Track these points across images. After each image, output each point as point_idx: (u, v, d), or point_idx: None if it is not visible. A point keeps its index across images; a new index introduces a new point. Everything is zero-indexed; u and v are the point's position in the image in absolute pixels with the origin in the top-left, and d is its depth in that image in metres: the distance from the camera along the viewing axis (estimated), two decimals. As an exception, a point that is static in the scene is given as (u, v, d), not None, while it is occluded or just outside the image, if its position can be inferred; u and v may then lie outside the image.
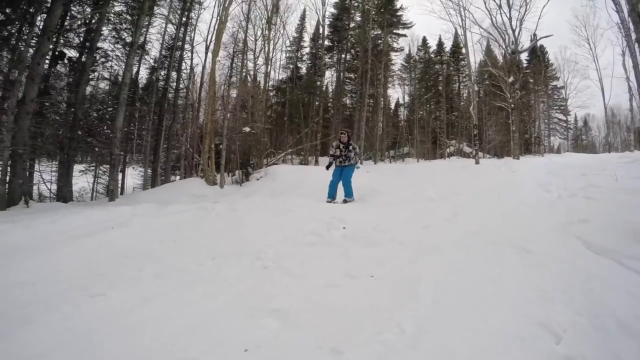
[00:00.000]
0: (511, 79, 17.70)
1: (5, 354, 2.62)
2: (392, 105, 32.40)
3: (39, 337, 2.77)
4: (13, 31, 12.07)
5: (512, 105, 17.69)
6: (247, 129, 10.70)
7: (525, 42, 22.30)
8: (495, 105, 21.27)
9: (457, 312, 2.83)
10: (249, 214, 6.15)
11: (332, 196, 7.80)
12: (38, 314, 3.09)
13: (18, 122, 9.61)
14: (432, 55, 31.54)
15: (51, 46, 11.39)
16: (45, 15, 10.91)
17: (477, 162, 14.34)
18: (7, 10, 11.42)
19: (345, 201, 7.61)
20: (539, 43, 28.26)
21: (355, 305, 2.95)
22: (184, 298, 3.24)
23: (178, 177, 14.93)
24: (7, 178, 9.57)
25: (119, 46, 13.98)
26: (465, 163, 14.42)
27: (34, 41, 10.58)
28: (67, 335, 2.77)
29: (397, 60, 28.62)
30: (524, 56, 29.51)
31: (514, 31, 17.82)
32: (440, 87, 30.17)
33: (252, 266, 3.87)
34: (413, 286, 3.24)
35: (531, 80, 30.79)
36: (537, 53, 32.93)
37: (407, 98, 30.78)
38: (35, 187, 11.76)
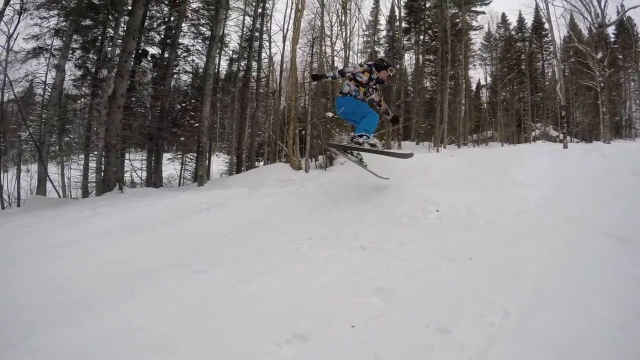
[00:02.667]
0: (599, 55, 16.28)
1: (113, 324, 2.72)
2: (473, 87, 31.12)
3: (145, 310, 2.91)
4: (98, 34, 13.28)
5: (602, 84, 16.26)
6: (329, 114, 10.62)
7: (612, 15, 20.35)
8: (583, 84, 19.65)
9: (559, 298, 2.75)
10: (340, 197, 6.14)
11: None
12: (143, 287, 3.23)
13: (110, 115, 10.51)
14: (513, 33, 29.68)
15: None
16: (127, 17, 11.64)
17: (565, 147, 13.42)
18: (93, 15, 12.55)
19: (360, 137, 5.98)
20: (627, 14, 25.69)
21: (456, 286, 2.91)
22: (286, 276, 3.29)
23: (262, 163, 15.29)
24: (103, 166, 10.59)
25: (199, 40, 14.74)
26: (552, 147, 13.60)
27: (119, 41, 11.51)
28: (171, 308, 2.90)
29: (477, 39, 27.30)
30: (611, 30, 27.04)
31: (599, 2, 16.30)
32: (522, 66, 28.34)
33: (350, 247, 3.88)
34: (513, 270, 3.13)
35: (620, 57, 28.14)
36: (626, 26, 30.02)
37: (488, 79, 29.31)
38: (127, 174, 12.65)
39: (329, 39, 15.84)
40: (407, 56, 22.17)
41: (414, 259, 3.44)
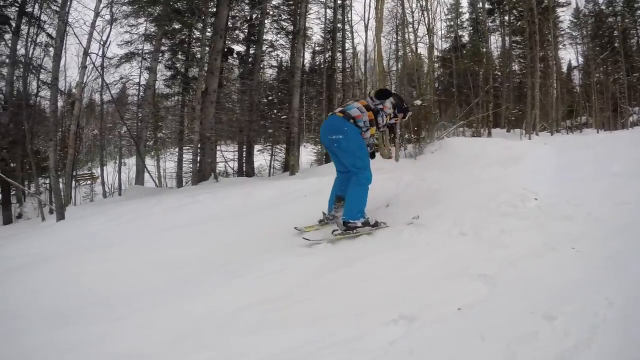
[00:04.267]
0: None
1: (221, 301, 2.92)
2: (565, 69, 29.32)
3: (250, 290, 3.04)
4: (185, 37, 14.28)
5: None
6: (418, 102, 10.48)
7: None
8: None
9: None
10: (437, 184, 6.05)
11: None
12: (246, 270, 3.41)
13: (204, 110, 11.14)
14: (603, 8, 27.50)
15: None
16: (213, 18, 12.22)
17: (670, 133, 12.22)
18: (181, 19, 13.35)
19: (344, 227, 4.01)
20: None
21: (559, 276, 2.81)
22: (389, 260, 3.30)
23: None
24: (198, 158, 11.20)
25: (282, 36, 15.52)
26: (654, 134, 12.47)
27: (204, 41, 12.07)
28: (276, 290, 3.01)
29: (565, 17, 25.74)
30: None
31: None
32: (616, 44, 26.21)
33: (450, 233, 3.80)
34: (616, 263, 2.95)
35: None
36: None
37: (580, 60, 27.45)
38: (220, 165, 13.47)
39: (411, 26, 15.74)
40: (492, 39, 21.65)
41: (515, 247, 3.34)
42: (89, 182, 16.64)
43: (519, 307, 2.42)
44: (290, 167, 10.94)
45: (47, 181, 14.77)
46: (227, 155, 14.16)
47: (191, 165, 12.02)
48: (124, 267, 3.86)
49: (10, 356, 2.54)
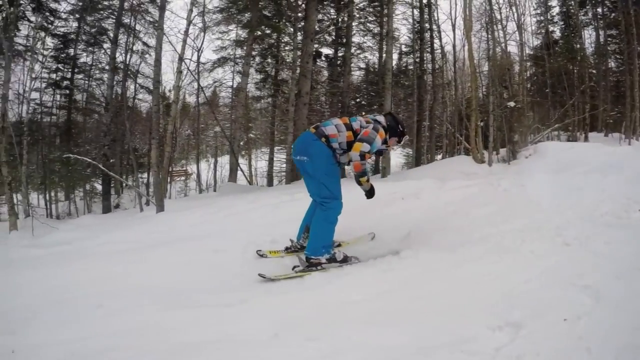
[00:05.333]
0: None
1: (329, 296, 3.14)
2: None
3: (359, 286, 3.25)
4: (274, 41, 14.98)
5: None
6: (511, 104, 10.40)
7: None
8: None
9: None
10: (536, 191, 5.98)
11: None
12: (352, 266, 3.72)
13: (297, 112, 11.72)
14: None
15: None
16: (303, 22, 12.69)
17: None
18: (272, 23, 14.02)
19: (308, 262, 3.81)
20: None
21: None
22: (493, 265, 3.37)
23: (439, 157, 15.60)
24: (291, 157, 11.52)
25: (369, 37, 15.89)
26: None
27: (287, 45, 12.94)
28: (384, 287, 3.18)
29: (666, 4, 23.83)
30: None
31: None
32: None
33: (553, 242, 3.84)
34: None
35: None
36: None
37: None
38: None
39: (499, 23, 15.49)
40: (585, 33, 20.49)
41: (621, 259, 3.28)
42: (183, 178, 17.93)
43: (624, 321, 2.41)
44: (381, 169, 11.17)
45: (143, 175, 16.21)
46: None
47: (282, 165, 12.70)
48: (229, 257, 4.19)
49: (112, 332, 2.77)
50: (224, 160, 17.00)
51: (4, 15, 11.58)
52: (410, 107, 15.77)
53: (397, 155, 15.48)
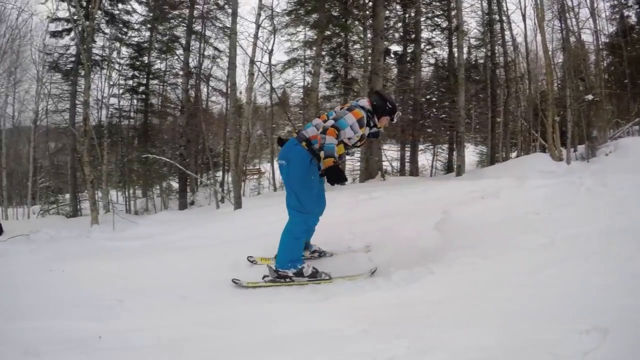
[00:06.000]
0: None
1: (413, 294, 3.12)
2: None
3: (443, 286, 3.22)
4: (340, 40, 15.29)
5: None
6: (589, 97, 10.21)
7: None
8: None
9: None
10: (622, 191, 5.52)
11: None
12: (436, 265, 3.59)
13: None
14: None
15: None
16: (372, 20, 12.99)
17: None
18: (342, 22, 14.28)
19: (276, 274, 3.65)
20: None
21: None
22: (578, 269, 3.26)
23: (514, 154, 15.31)
24: (366, 156, 12.03)
25: (437, 32, 15.86)
26: None
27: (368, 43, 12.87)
28: (466, 287, 3.15)
29: None
30: None
31: None
32: None
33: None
34: None
35: None
36: None
37: None
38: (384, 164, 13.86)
39: (571, 11, 14.94)
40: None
41: None
42: (256, 177, 18.79)
43: None
44: (456, 167, 11.20)
45: (217, 174, 17.21)
46: (389, 154, 14.88)
47: (357, 164, 13.07)
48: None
49: (198, 322, 2.90)
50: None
51: (80, 28, 12.74)
52: (482, 102, 15.76)
53: (470, 153, 15.26)
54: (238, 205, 8.87)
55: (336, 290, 3.34)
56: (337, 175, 3.38)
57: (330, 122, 3.43)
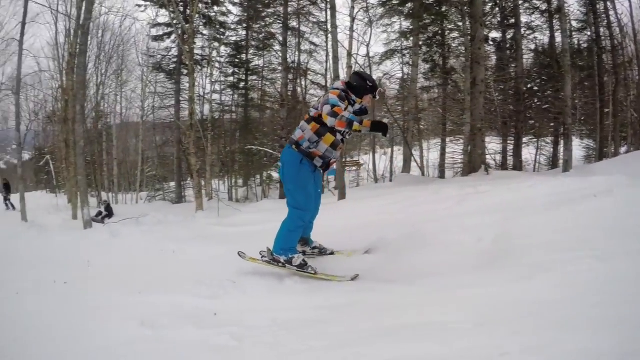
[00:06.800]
0: None
1: (518, 294, 2.93)
2: None
3: (548, 288, 2.99)
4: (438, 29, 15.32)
5: None
6: None
7: None
8: None
9: None
10: None
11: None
12: (537, 268, 3.28)
13: (473, 101, 11.75)
14: None
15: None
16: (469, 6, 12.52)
17: None
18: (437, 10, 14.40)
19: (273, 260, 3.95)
20: None
21: None
22: None
23: (623, 149, 14.57)
24: (469, 149, 11.89)
25: (537, 15, 15.11)
26: None
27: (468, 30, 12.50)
28: (567, 292, 2.89)
29: None
30: None
31: None
32: None
33: None
34: None
35: None
36: None
37: None
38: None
39: None
40: None
41: None
42: (355, 169, 19.61)
43: None
44: (563, 162, 10.75)
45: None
46: (491, 147, 14.08)
47: (459, 157, 13.04)
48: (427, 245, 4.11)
49: (317, 306, 3.00)
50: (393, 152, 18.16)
51: (179, 32, 14.04)
52: (588, 91, 14.99)
53: (576, 147, 13.81)
54: (342, 196, 9.24)
55: (443, 283, 3.26)
56: (381, 126, 3.77)
57: (327, 107, 3.67)
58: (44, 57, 23.30)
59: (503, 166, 13.27)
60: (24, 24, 12.49)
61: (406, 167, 14.79)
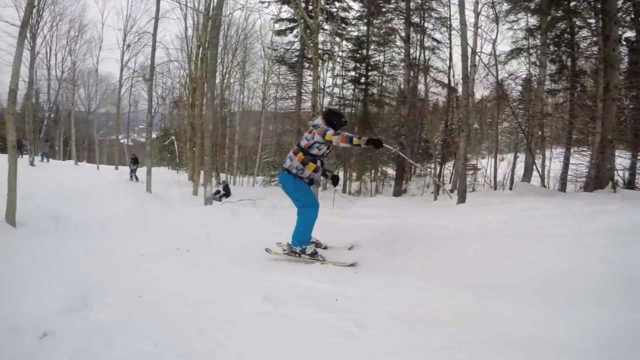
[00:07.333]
0: None
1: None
2: None
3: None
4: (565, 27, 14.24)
5: None
6: None
7: None
8: None
9: None
10: None
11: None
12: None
13: (605, 109, 10.89)
14: None
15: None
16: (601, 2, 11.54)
17: None
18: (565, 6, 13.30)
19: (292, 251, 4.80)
20: None
21: None
22: None
23: None
24: (597, 162, 10.96)
25: None
26: None
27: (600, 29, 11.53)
28: None
29: None
30: None
31: None
32: None
33: None
34: None
35: None
36: None
37: None
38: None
39: None
40: None
41: None
42: (471, 172, 19.54)
43: None
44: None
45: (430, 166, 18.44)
46: (619, 161, 12.05)
47: (583, 169, 12.16)
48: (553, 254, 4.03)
49: (409, 304, 3.03)
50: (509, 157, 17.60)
51: (302, 27, 14.79)
52: None
53: None
54: (462, 199, 9.12)
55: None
56: (375, 141, 4.19)
57: (328, 131, 4.38)
58: (174, 48, 27.33)
59: (630, 184, 11.56)
60: (156, 19, 14.21)
61: (527, 176, 14.30)
